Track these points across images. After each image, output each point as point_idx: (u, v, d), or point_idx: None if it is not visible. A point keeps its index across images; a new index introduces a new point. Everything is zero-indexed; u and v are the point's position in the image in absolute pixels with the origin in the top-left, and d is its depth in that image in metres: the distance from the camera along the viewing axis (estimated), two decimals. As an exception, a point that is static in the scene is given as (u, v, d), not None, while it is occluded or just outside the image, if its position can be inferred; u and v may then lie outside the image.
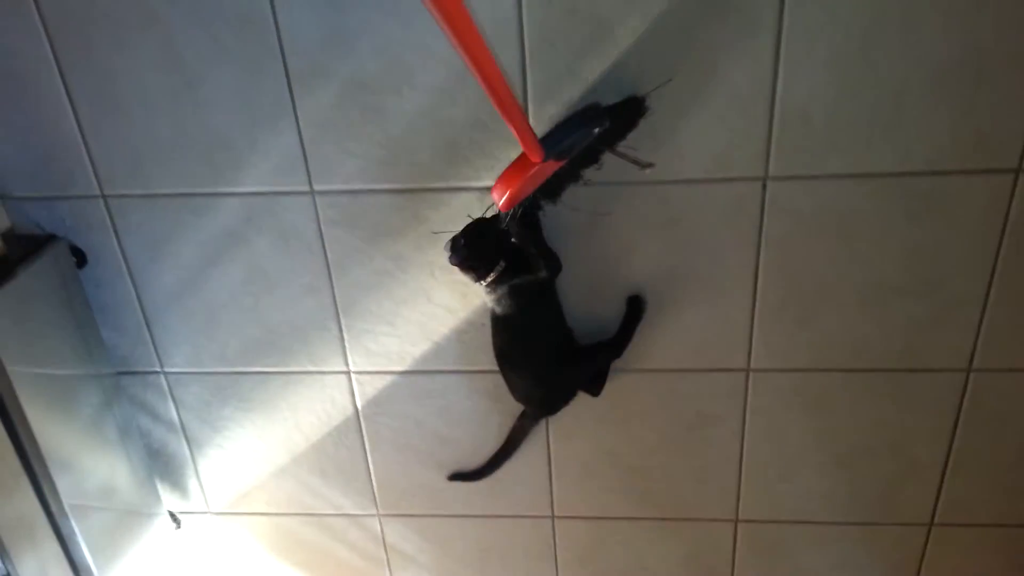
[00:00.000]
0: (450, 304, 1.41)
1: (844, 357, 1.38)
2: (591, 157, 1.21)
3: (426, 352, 1.46)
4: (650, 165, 1.20)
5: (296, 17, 1.18)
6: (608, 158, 1.21)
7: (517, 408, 1.47)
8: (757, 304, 1.34)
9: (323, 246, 1.37)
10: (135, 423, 1.58)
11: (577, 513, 1.61)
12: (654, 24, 1.13)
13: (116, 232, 1.39)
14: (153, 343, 1.50)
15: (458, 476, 1.57)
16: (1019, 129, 1.17)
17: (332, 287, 1.41)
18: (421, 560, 1.71)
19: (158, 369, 1.53)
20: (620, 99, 1.17)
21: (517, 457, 1.54)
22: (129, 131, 1.29)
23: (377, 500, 1.64)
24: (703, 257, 1.31)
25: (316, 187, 1.32)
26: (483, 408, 1.50)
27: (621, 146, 1.19)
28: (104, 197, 1.36)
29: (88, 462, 1.44)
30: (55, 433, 1.33)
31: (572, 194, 1.25)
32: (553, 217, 1.28)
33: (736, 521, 1.57)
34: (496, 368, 1.41)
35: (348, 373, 1.50)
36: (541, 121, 1.20)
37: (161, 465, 1.65)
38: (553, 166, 1.15)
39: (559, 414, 1.45)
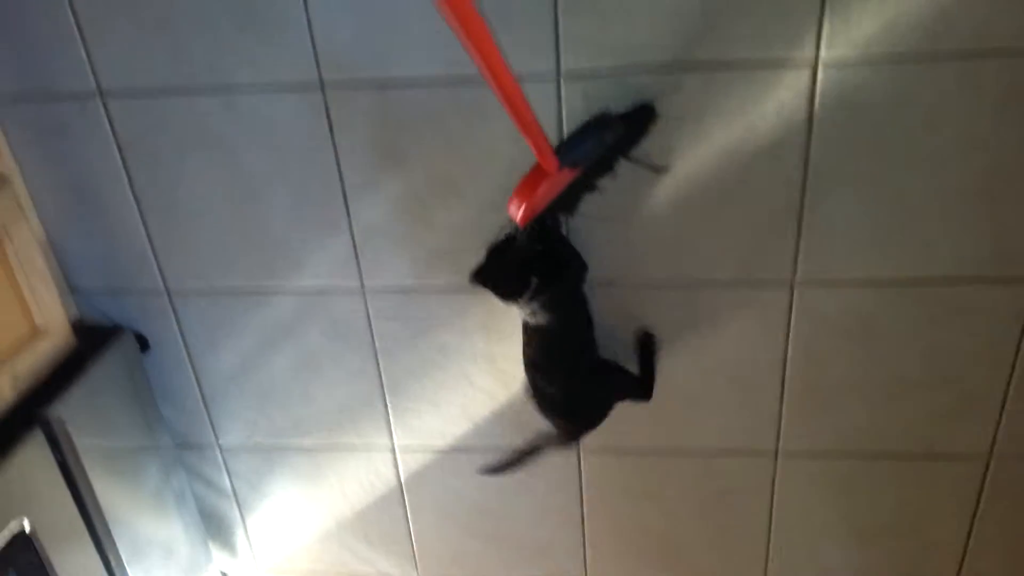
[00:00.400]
0: (491, 389, 1.49)
1: (868, 443, 1.44)
2: (605, 166, 1.21)
3: (467, 431, 1.54)
4: (664, 169, 1.21)
5: (353, 139, 1.26)
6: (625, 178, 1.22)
7: (556, 481, 1.55)
8: (785, 394, 1.41)
9: (372, 336, 1.45)
10: (191, 489, 1.68)
11: (610, 579, 1.68)
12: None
13: (178, 321, 1.48)
14: (210, 420, 1.59)
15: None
16: (1036, 241, 1.22)
17: (379, 372, 1.49)
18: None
19: (213, 442, 1.62)
20: (631, 107, 1.18)
21: (552, 525, 1.61)
22: (192, 234, 1.38)
23: (418, 565, 1.72)
24: (732, 351, 1.38)
25: (367, 284, 1.40)
26: (520, 482, 1.58)
27: (634, 153, 1.20)
28: (167, 291, 1.45)
29: (146, 524, 1.53)
30: (117, 498, 1.42)
31: (608, 302, 1.32)
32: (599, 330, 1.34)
33: (763, 590, 1.64)
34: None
35: (392, 448, 1.58)
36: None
37: (213, 526, 1.75)
38: (568, 175, 1.15)
39: (594, 481, 1.51)
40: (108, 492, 1.39)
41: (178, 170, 1.32)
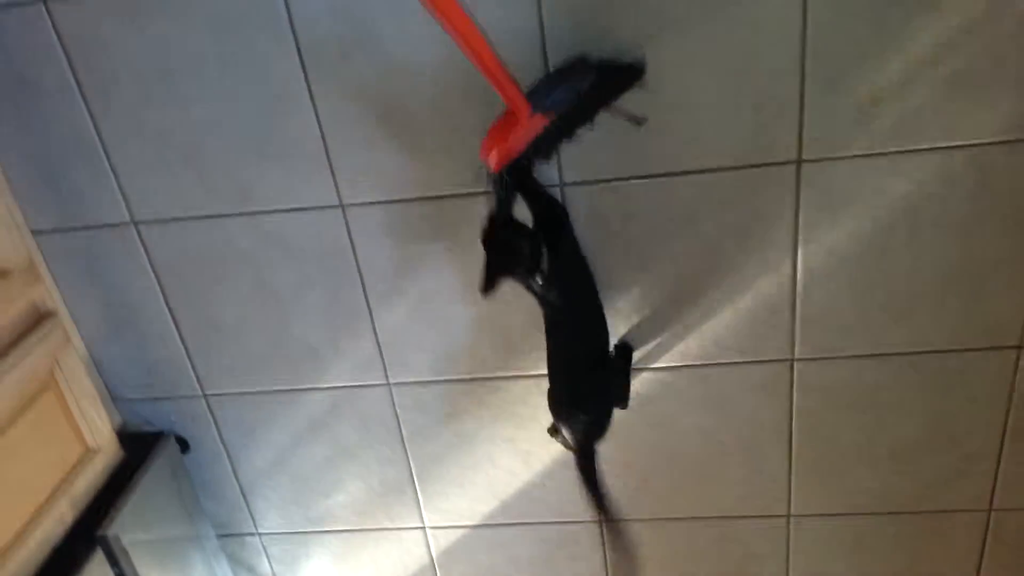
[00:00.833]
0: (514, 468, 1.57)
1: (876, 502, 1.51)
2: (583, 114, 1.17)
3: (493, 509, 1.62)
4: (643, 120, 1.19)
5: (372, 250, 1.36)
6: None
7: (581, 552, 1.62)
8: (793, 460, 1.49)
9: (399, 426, 1.54)
10: (233, 574, 1.76)
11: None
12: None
13: (215, 422, 1.57)
14: (249, 510, 1.68)
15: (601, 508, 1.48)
16: (1019, 311, 1.30)
17: (408, 458, 1.58)
18: None
19: (253, 531, 1.71)
20: (616, 59, 1.15)
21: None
22: (225, 342, 1.47)
23: (453, 636, 1.80)
24: (740, 424, 1.46)
25: (392, 380, 1.49)
26: (547, 555, 1.65)
27: (615, 105, 1.17)
28: (204, 396, 1.54)
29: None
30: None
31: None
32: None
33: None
34: (558, 518, 1.57)
35: (423, 528, 1.67)
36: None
37: (255, 607, 1.83)
38: (542, 121, 1.10)
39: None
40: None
41: (210, 286, 1.42)
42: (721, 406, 1.44)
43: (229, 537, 1.72)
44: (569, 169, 1.26)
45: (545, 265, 1.16)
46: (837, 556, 1.58)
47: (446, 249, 1.34)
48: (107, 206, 1.36)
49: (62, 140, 1.30)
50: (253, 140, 1.28)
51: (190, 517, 1.62)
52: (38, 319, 1.28)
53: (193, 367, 1.51)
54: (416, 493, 1.62)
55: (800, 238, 1.27)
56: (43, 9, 1.20)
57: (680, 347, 1.40)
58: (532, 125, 1.09)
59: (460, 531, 1.66)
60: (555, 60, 1.18)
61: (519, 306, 1.37)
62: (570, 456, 1.41)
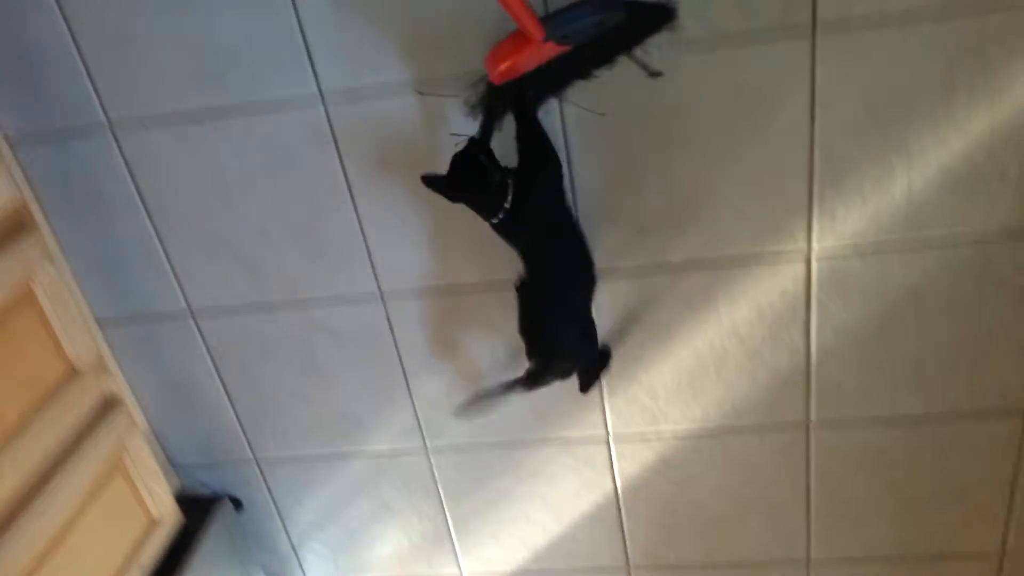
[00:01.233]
0: (545, 522, 1.67)
1: (890, 548, 1.60)
2: (602, 54, 1.13)
3: (527, 558, 1.73)
4: (659, 74, 1.15)
5: (409, 333, 1.46)
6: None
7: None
8: (811, 513, 1.57)
9: (437, 487, 1.65)
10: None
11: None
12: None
13: (267, 484, 1.69)
14: (299, 560, 1.80)
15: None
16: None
17: (446, 515, 1.68)
18: None
19: (303, 580, 1.83)
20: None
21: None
22: (276, 414, 1.58)
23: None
24: (761, 483, 1.55)
25: (429, 445, 1.60)
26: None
27: (637, 50, 1.13)
28: (256, 460, 1.66)
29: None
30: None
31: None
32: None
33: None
34: (588, 563, 1.68)
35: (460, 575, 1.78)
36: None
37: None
38: (554, 49, 1.06)
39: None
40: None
41: (261, 366, 1.53)
42: (742, 467, 1.53)
43: (281, 585, 1.84)
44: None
45: (508, 206, 1.11)
46: (855, 600, 1.67)
47: (478, 332, 1.44)
48: (166, 298, 1.46)
49: (126, 243, 1.41)
50: (300, 239, 1.38)
51: (244, 569, 1.75)
52: (107, 407, 1.39)
53: (245, 435, 1.62)
54: (454, 544, 1.73)
55: (813, 321, 1.35)
56: (111, 137, 1.32)
57: (700, 413, 1.48)
58: (543, 51, 1.04)
59: (497, 578, 1.77)
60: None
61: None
62: (600, 510, 1.52)
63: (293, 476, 1.67)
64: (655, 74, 1.15)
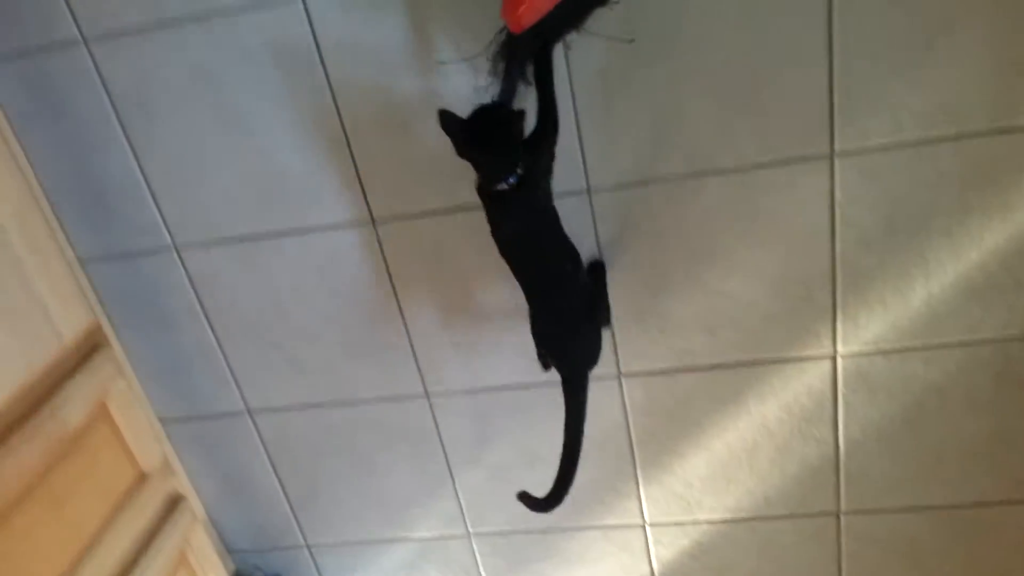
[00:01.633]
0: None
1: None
2: None
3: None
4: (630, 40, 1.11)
5: (453, 428, 1.54)
6: None
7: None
8: (844, 596, 1.62)
9: (479, 570, 1.71)
10: None
11: None
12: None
13: (317, 568, 1.77)
14: (346, 638, 1.87)
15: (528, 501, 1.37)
16: (1049, 470, 1.42)
17: (491, 596, 1.75)
18: None
19: (351, 655, 1.90)
20: None
21: None
22: (327, 503, 1.67)
23: None
24: (794, 569, 1.59)
25: (472, 531, 1.67)
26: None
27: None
28: (307, 546, 1.74)
29: None
30: None
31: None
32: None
33: None
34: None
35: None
36: None
37: None
38: None
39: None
40: None
41: (313, 459, 1.61)
42: (775, 553, 1.58)
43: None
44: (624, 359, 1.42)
45: (521, 171, 1.06)
46: None
47: (519, 429, 1.51)
48: (226, 398, 1.56)
49: (189, 350, 1.51)
50: (350, 344, 1.47)
51: (296, 647, 1.82)
52: (172, 505, 1.49)
53: (298, 522, 1.70)
54: (499, 622, 1.79)
55: (840, 415, 1.41)
56: (176, 256, 1.43)
57: (733, 502, 1.54)
58: None
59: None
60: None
61: (583, 466, 1.54)
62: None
63: (342, 559, 1.75)
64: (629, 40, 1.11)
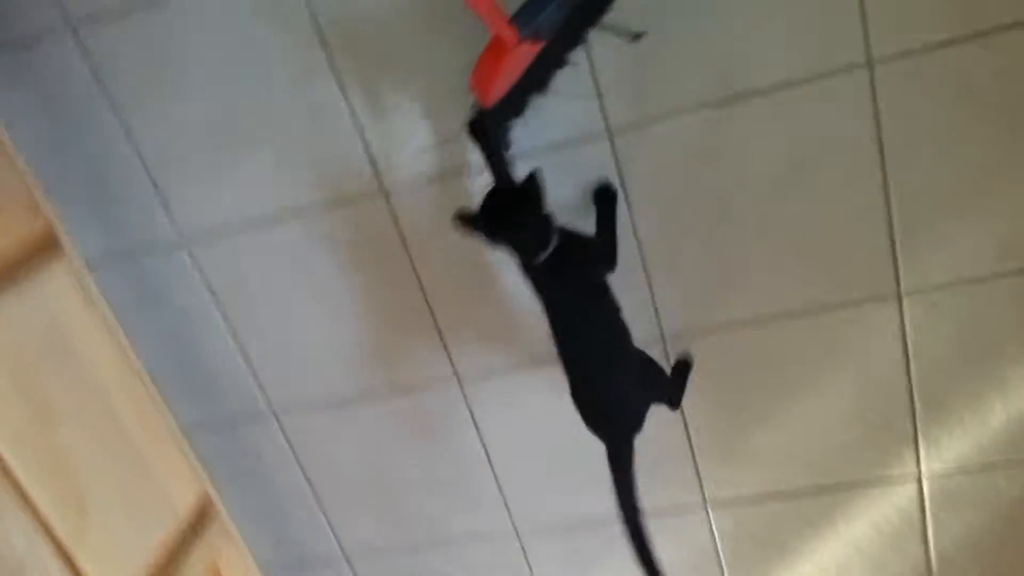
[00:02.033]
0: None
1: None
2: (574, 36, 1.09)
3: None
4: (640, 35, 1.09)
5: (545, 563, 1.58)
6: None
7: None
8: None
9: None
10: None
11: None
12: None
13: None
14: None
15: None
16: None
17: None
18: None
19: None
20: None
21: None
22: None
23: None
24: None
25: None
26: None
27: (606, 19, 1.08)
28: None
29: None
30: None
31: None
32: None
33: None
34: None
35: None
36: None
37: None
38: (532, 49, 1.00)
39: None
40: None
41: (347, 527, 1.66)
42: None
43: None
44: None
45: (552, 247, 1.05)
46: None
47: (608, 562, 1.55)
48: (321, 542, 1.63)
49: (287, 499, 1.60)
50: (443, 490, 1.54)
51: None
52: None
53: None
54: None
55: (930, 533, 1.43)
56: (275, 421, 1.51)
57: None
58: (522, 54, 0.98)
59: None
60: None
61: None
62: None
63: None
64: (637, 36, 1.10)
